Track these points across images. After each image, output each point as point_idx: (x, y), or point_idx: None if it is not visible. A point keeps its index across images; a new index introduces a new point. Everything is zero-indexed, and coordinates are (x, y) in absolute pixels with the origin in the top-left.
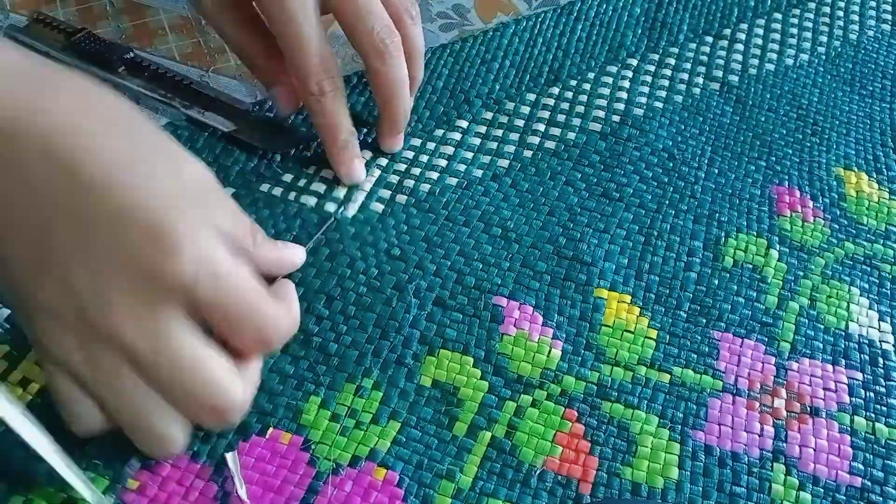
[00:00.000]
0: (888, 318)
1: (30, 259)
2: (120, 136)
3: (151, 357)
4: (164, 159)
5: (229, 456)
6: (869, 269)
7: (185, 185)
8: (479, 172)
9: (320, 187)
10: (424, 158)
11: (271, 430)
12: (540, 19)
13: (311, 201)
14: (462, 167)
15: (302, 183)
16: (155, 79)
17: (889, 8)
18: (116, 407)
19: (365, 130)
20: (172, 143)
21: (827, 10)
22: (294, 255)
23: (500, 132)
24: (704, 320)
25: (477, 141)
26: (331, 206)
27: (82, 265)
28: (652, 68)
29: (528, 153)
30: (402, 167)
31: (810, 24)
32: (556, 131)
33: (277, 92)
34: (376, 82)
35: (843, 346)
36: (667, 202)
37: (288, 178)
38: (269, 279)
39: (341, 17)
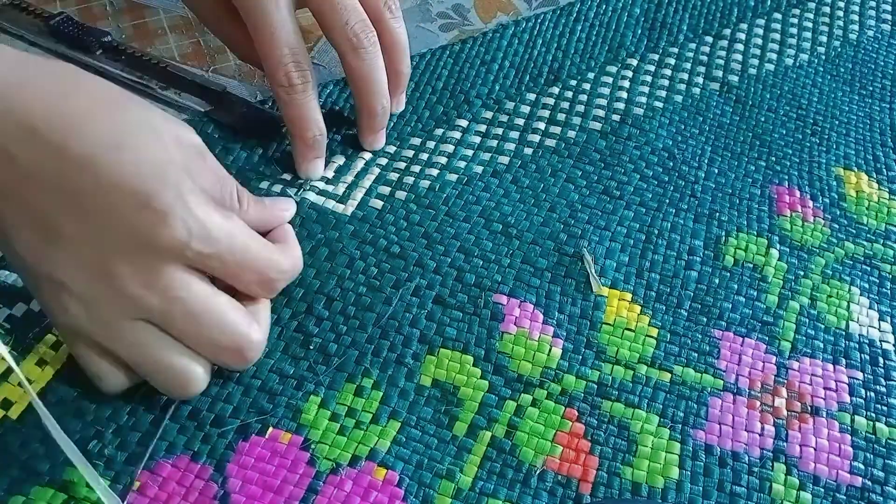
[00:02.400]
0: (888, 318)
1: (35, 240)
2: (103, 115)
3: (165, 308)
4: (148, 131)
5: None
6: (869, 268)
7: (171, 154)
8: (479, 169)
9: (318, 184)
10: (424, 156)
11: (271, 429)
12: (540, 20)
13: (310, 197)
14: (462, 164)
15: (301, 180)
16: (132, 62)
17: (889, 8)
18: (137, 360)
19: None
20: (156, 115)
21: (827, 10)
22: (283, 208)
23: (500, 131)
24: (705, 319)
25: (477, 139)
26: (330, 203)
27: (84, 239)
28: (652, 68)
29: (528, 150)
30: (402, 164)
31: (810, 24)
32: (556, 130)
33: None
34: (351, 77)
35: (843, 345)
36: (667, 201)
37: (287, 176)
38: (264, 234)
39: (316, 11)
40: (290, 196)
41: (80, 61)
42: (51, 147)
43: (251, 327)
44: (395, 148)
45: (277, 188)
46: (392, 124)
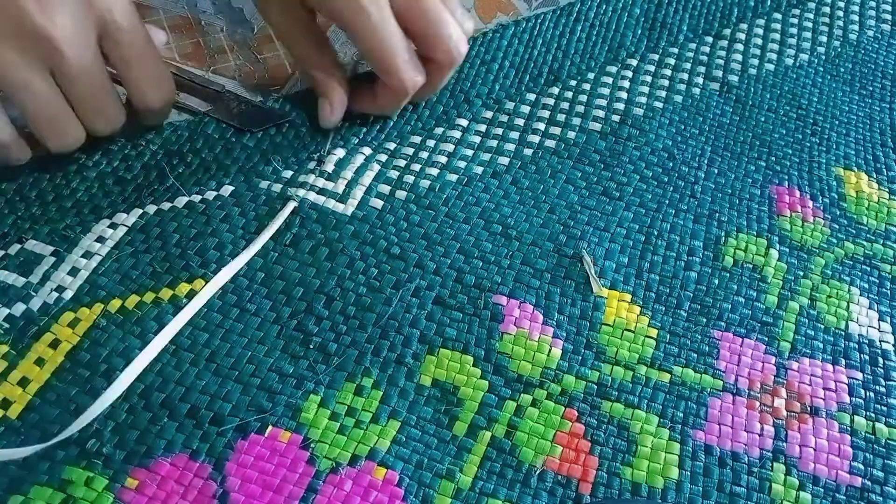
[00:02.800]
0: (888, 318)
1: None
2: None
3: (74, 63)
4: None
5: None
6: (869, 269)
7: None
8: (479, 169)
9: (318, 182)
10: (424, 155)
11: (270, 428)
12: (540, 20)
13: (311, 197)
14: (462, 164)
15: (301, 179)
16: None
17: (889, 8)
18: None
19: (364, 130)
20: None
21: (827, 10)
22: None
23: (500, 131)
24: (704, 319)
25: (477, 139)
26: (330, 203)
27: None
28: (652, 68)
29: (528, 151)
30: (402, 162)
31: (810, 24)
32: (556, 130)
33: (326, 103)
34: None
35: (843, 345)
36: (667, 201)
37: (287, 174)
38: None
39: (409, 21)
40: (292, 197)
41: None
42: None
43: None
44: (395, 145)
45: (277, 187)
46: (392, 122)
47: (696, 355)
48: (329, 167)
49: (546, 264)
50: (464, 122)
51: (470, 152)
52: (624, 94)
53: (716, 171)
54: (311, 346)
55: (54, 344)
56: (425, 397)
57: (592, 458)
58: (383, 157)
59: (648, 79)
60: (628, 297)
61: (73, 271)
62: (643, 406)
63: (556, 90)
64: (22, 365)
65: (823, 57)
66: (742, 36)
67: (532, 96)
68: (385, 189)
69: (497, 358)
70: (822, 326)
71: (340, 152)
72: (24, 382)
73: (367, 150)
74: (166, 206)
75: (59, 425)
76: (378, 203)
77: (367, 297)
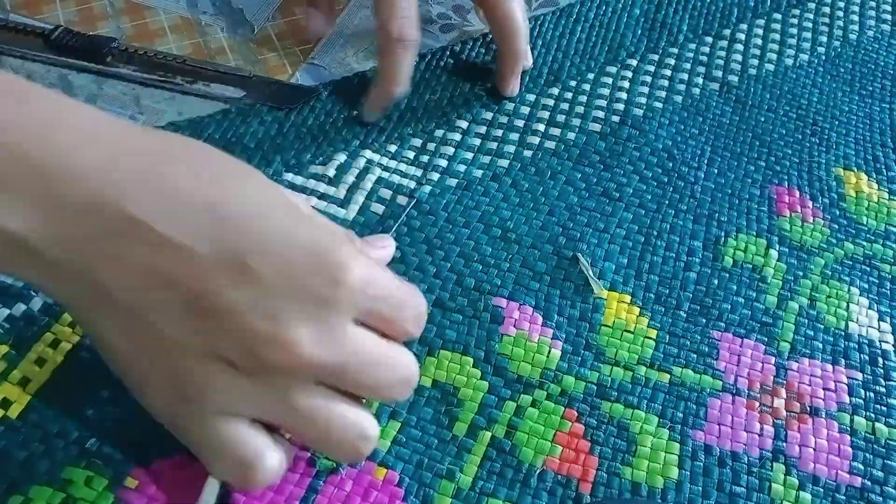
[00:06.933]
0: (888, 318)
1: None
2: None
3: (340, 363)
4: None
5: None
6: (869, 269)
7: (299, 204)
8: (478, 173)
9: (320, 186)
10: (425, 158)
11: None
12: (539, 21)
13: (312, 202)
14: (462, 167)
15: (302, 184)
16: (146, 62)
17: (889, 8)
18: (309, 426)
19: (365, 132)
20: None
21: (827, 10)
22: (387, 247)
23: (499, 132)
24: (704, 320)
25: (477, 141)
26: (332, 208)
27: (245, 302)
28: (651, 68)
29: (527, 153)
30: (403, 166)
31: (810, 24)
32: (555, 131)
33: (313, 12)
34: (493, 20)
35: (842, 345)
36: (666, 202)
37: (288, 176)
38: None
39: None
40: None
41: (91, 70)
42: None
43: (409, 355)
44: (395, 147)
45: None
46: (392, 125)
47: (695, 356)
48: (331, 171)
49: (545, 266)
50: (464, 124)
51: (470, 155)
52: (624, 95)
53: (716, 171)
54: None
55: (54, 344)
56: (425, 398)
57: (592, 458)
58: (385, 161)
59: (648, 79)
60: (628, 298)
61: None
62: (643, 406)
63: (555, 91)
64: (22, 365)
65: (823, 57)
66: (742, 36)
67: (532, 97)
68: (386, 194)
69: (497, 359)
70: (822, 326)
71: (342, 157)
72: (24, 382)
73: (369, 153)
74: None
75: (59, 425)
76: (379, 209)
77: None
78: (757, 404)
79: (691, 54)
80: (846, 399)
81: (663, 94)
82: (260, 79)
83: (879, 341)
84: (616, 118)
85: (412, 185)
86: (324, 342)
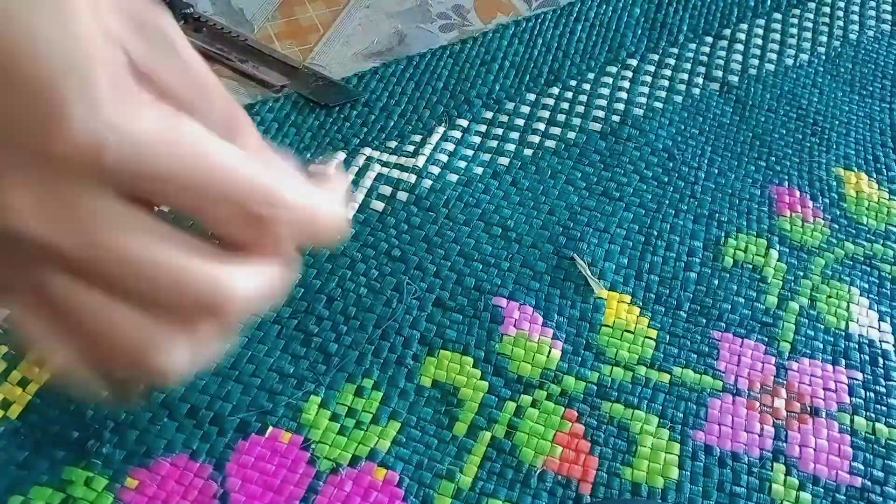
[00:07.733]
0: (888, 318)
1: None
2: None
3: (88, 255)
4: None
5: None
6: (869, 269)
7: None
8: (479, 170)
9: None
10: (425, 155)
11: (271, 428)
12: (540, 20)
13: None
14: (462, 164)
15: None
16: (213, 34)
17: (889, 8)
18: (76, 333)
19: (365, 130)
20: None
21: (827, 10)
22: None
23: (500, 131)
24: (704, 320)
25: (477, 139)
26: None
27: None
28: (652, 68)
29: (528, 152)
30: (403, 162)
31: (810, 24)
32: (556, 131)
33: None
34: None
35: (843, 346)
36: (667, 202)
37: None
38: None
39: None
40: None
41: None
42: None
43: (222, 273)
44: (396, 143)
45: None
46: (393, 122)
47: (695, 356)
48: (331, 170)
49: (546, 266)
50: (464, 123)
51: (470, 153)
52: (624, 95)
53: (716, 171)
54: (312, 346)
55: None
56: (425, 398)
57: (592, 458)
58: (384, 157)
59: (648, 79)
60: (628, 298)
61: None
62: (643, 406)
63: (556, 90)
64: (22, 365)
65: (823, 57)
66: (742, 36)
67: (532, 96)
68: (386, 190)
69: (497, 359)
70: (822, 327)
71: (341, 155)
72: (23, 382)
73: (368, 151)
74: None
75: (59, 425)
76: (379, 206)
77: (368, 299)
78: (757, 404)
79: (691, 54)
80: (846, 399)
81: (663, 93)
82: (309, 71)
83: (880, 341)
84: (616, 118)
85: (412, 179)
86: (54, 219)
